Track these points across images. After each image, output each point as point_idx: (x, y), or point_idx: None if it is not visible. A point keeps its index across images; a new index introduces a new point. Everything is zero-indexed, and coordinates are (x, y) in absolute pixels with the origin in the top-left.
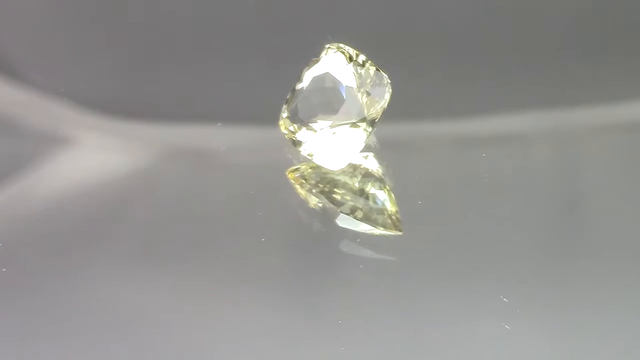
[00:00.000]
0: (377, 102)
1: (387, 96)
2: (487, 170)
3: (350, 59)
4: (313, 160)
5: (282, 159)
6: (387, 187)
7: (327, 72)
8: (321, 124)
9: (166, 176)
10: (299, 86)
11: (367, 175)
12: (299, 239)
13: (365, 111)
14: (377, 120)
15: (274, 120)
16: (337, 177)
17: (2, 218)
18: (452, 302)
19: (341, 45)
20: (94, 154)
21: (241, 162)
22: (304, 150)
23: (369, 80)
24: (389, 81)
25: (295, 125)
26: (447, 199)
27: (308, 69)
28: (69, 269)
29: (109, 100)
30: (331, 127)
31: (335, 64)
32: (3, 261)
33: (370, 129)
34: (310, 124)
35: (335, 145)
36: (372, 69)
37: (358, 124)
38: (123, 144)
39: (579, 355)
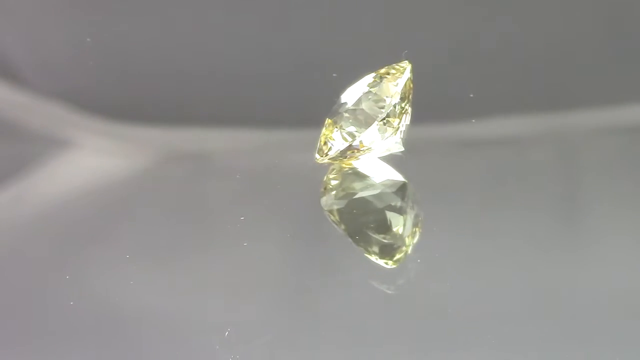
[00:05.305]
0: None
1: (398, 148)
2: (486, 173)
3: (407, 99)
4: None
5: (283, 161)
6: (406, 220)
7: (384, 97)
8: (339, 118)
9: (166, 178)
10: (363, 80)
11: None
12: (300, 239)
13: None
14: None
15: (274, 122)
16: (360, 185)
17: (1, 220)
18: (455, 302)
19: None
20: (93, 157)
21: (240, 165)
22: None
23: (401, 124)
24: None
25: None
26: (447, 202)
27: (383, 77)
28: (68, 271)
29: (109, 103)
30: (340, 126)
31: (393, 95)
32: (3, 263)
33: (361, 154)
34: (337, 111)
35: (330, 140)
36: (408, 118)
37: (359, 142)
38: (122, 146)
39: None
